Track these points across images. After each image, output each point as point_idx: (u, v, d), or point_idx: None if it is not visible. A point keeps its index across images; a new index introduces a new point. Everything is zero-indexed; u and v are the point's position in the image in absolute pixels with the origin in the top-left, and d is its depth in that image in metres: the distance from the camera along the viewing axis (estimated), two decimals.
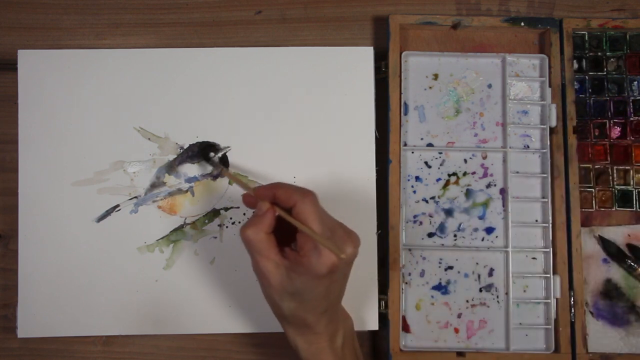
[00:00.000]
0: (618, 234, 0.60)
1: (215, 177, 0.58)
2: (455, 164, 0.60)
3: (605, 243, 0.59)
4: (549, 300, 0.58)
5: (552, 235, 0.59)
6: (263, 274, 0.45)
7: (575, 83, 0.61)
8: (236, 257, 0.57)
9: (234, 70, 0.59)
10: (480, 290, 0.58)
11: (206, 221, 0.58)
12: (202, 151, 0.57)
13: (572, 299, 0.58)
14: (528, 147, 0.60)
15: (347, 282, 0.49)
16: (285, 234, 0.47)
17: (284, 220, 0.45)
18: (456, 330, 0.58)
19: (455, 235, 0.59)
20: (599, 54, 0.61)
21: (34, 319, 0.56)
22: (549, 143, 0.59)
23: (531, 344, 0.58)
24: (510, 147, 0.59)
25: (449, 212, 0.59)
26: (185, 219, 0.58)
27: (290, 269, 0.45)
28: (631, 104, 0.61)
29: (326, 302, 0.46)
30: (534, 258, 0.59)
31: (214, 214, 0.58)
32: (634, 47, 0.61)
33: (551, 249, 0.58)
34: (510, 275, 0.58)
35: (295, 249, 0.46)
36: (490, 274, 0.59)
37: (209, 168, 0.58)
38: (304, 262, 0.44)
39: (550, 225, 0.59)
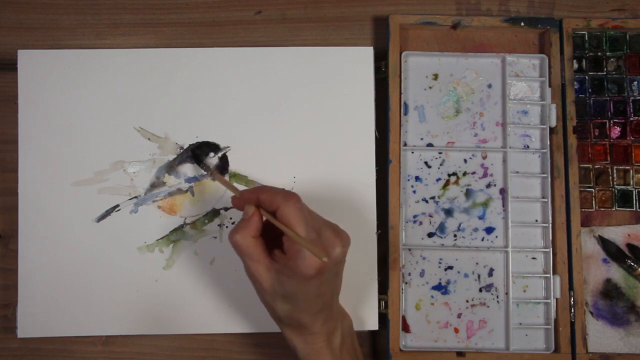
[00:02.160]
0: (618, 234, 0.60)
1: (215, 178, 0.58)
2: (455, 164, 0.60)
3: (605, 243, 0.59)
4: (549, 300, 0.58)
5: (552, 235, 0.59)
6: (255, 278, 0.46)
7: (575, 83, 0.61)
8: (236, 257, 0.56)
9: (234, 70, 0.59)
10: (480, 290, 0.58)
11: (206, 221, 0.58)
12: (194, 154, 0.57)
13: (572, 299, 0.58)
14: (528, 147, 0.60)
15: (341, 281, 0.49)
16: (276, 237, 0.47)
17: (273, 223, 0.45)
18: (456, 330, 0.58)
19: (455, 235, 0.59)
20: (599, 54, 0.61)
21: (34, 319, 0.56)
22: (549, 143, 0.59)
23: (531, 344, 0.58)
24: (510, 147, 0.59)
25: (449, 212, 0.59)
26: (185, 219, 0.58)
27: (280, 271, 0.45)
28: (631, 104, 0.61)
29: (320, 302, 0.46)
30: (534, 258, 0.59)
31: (214, 214, 0.58)
32: (634, 47, 0.61)
33: (551, 249, 0.58)
34: (510, 275, 0.58)
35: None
36: (490, 274, 0.59)
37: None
38: (291, 264, 0.44)
39: (550, 225, 0.59)
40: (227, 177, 0.58)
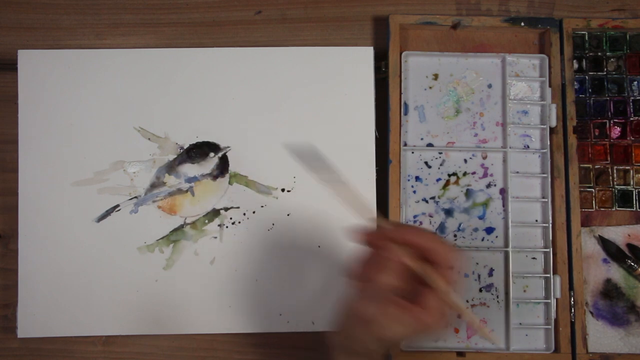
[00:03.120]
0: (618, 234, 0.60)
1: (215, 177, 0.58)
2: (455, 164, 0.60)
3: (605, 243, 0.59)
4: (549, 300, 0.58)
5: (552, 235, 0.59)
6: (396, 325, 0.39)
7: (575, 83, 0.61)
8: (236, 257, 0.57)
9: (234, 70, 0.59)
10: (480, 290, 0.58)
11: (206, 221, 0.58)
12: None
13: (572, 299, 0.58)
14: (528, 147, 0.60)
15: None
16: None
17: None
18: (456, 330, 0.58)
19: (455, 235, 0.59)
20: (599, 54, 0.61)
21: (34, 319, 0.56)
22: (549, 143, 0.59)
23: (531, 344, 0.58)
24: (510, 147, 0.59)
25: (449, 212, 0.59)
26: (185, 219, 0.58)
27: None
28: (631, 104, 0.61)
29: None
30: (534, 258, 0.59)
31: (214, 214, 0.58)
32: (634, 47, 0.61)
33: (551, 249, 0.58)
34: (510, 275, 0.58)
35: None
36: (490, 274, 0.59)
37: (209, 168, 0.58)
38: (423, 319, 0.39)
39: (550, 225, 0.59)
40: (227, 178, 0.58)
